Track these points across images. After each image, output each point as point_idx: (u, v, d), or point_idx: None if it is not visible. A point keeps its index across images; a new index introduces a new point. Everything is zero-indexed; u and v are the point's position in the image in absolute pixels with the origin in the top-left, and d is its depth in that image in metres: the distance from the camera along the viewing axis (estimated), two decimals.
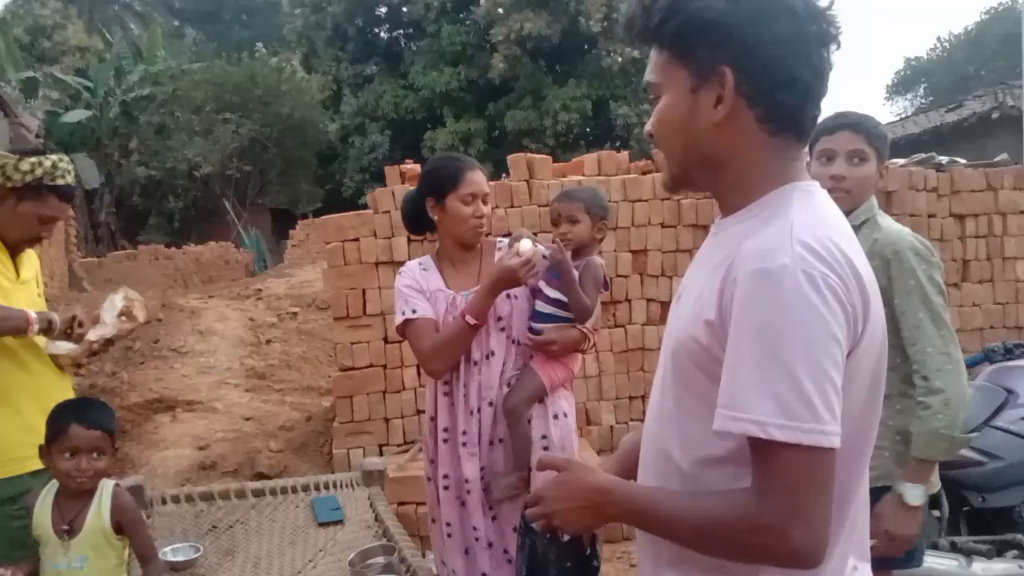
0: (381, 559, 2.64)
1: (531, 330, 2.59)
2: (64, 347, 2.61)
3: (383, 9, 22.31)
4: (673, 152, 1.23)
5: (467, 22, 20.19)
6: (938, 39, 38.67)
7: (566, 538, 1.33)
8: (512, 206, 5.17)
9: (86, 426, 2.25)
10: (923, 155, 6.00)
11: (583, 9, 18.77)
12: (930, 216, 5.69)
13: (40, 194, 2.54)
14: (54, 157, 2.58)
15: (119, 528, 2.35)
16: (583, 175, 5.43)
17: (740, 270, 1.07)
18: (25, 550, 2.45)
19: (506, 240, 2.70)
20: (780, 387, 1.01)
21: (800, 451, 1.01)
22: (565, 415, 2.61)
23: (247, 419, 6.02)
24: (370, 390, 5.08)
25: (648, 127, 1.25)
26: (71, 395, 2.71)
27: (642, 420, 1.38)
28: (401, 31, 22.89)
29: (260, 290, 10.71)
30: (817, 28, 1.13)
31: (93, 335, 2.66)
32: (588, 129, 20.36)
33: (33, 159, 2.52)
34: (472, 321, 2.46)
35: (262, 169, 21.23)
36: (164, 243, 18.28)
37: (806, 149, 1.24)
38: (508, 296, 2.57)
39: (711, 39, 1.12)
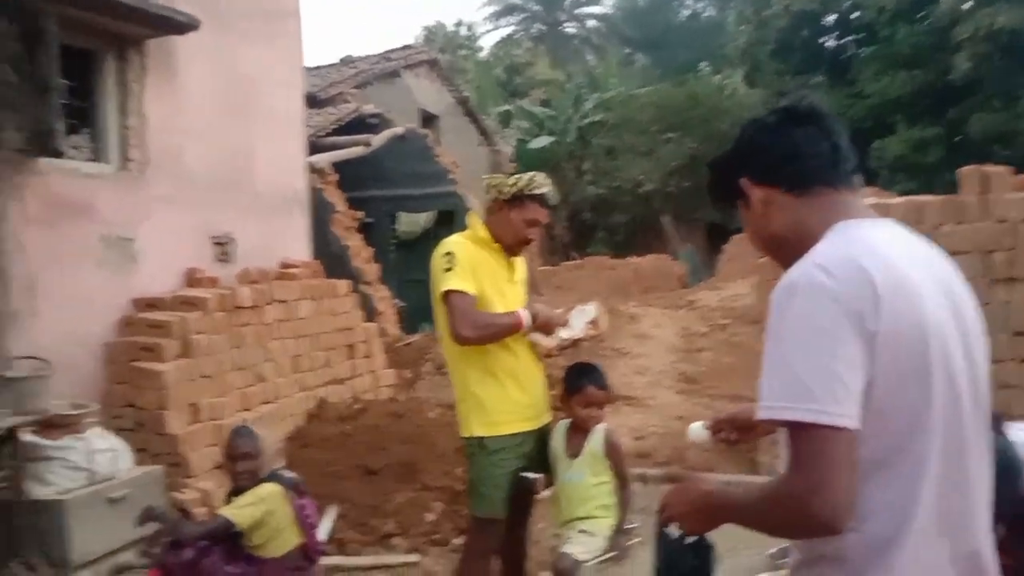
0: None
1: None
2: (541, 339, 3.24)
3: (831, 18, 21.56)
4: (766, 251, 1.59)
5: (925, 22, 18.60)
6: None
7: (690, 540, 1.56)
8: (960, 223, 4.86)
9: (597, 387, 3.28)
10: None
11: None
12: None
13: (523, 203, 3.17)
14: (532, 173, 3.25)
15: (609, 456, 3.27)
16: None
17: None
18: (503, 491, 3.11)
19: None
20: (783, 377, 1.25)
21: (810, 430, 1.21)
22: None
23: (678, 418, 6.46)
24: None
25: (749, 241, 1.64)
26: (542, 378, 3.31)
27: None
28: (851, 37, 21.89)
29: (692, 301, 11.19)
30: (778, 117, 1.50)
31: (564, 334, 3.27)
32: None
33: (516, 175, 3.20)
34: None
35: (700, 185, 21.92)
36: (608, 254, 19.88)
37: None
38: None
39: (733, 179, 1.54)
